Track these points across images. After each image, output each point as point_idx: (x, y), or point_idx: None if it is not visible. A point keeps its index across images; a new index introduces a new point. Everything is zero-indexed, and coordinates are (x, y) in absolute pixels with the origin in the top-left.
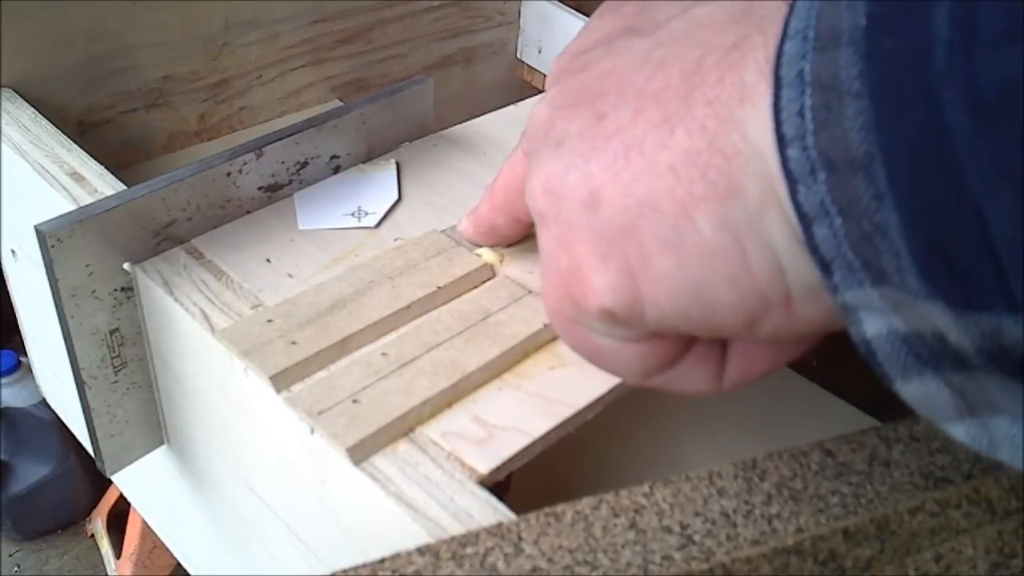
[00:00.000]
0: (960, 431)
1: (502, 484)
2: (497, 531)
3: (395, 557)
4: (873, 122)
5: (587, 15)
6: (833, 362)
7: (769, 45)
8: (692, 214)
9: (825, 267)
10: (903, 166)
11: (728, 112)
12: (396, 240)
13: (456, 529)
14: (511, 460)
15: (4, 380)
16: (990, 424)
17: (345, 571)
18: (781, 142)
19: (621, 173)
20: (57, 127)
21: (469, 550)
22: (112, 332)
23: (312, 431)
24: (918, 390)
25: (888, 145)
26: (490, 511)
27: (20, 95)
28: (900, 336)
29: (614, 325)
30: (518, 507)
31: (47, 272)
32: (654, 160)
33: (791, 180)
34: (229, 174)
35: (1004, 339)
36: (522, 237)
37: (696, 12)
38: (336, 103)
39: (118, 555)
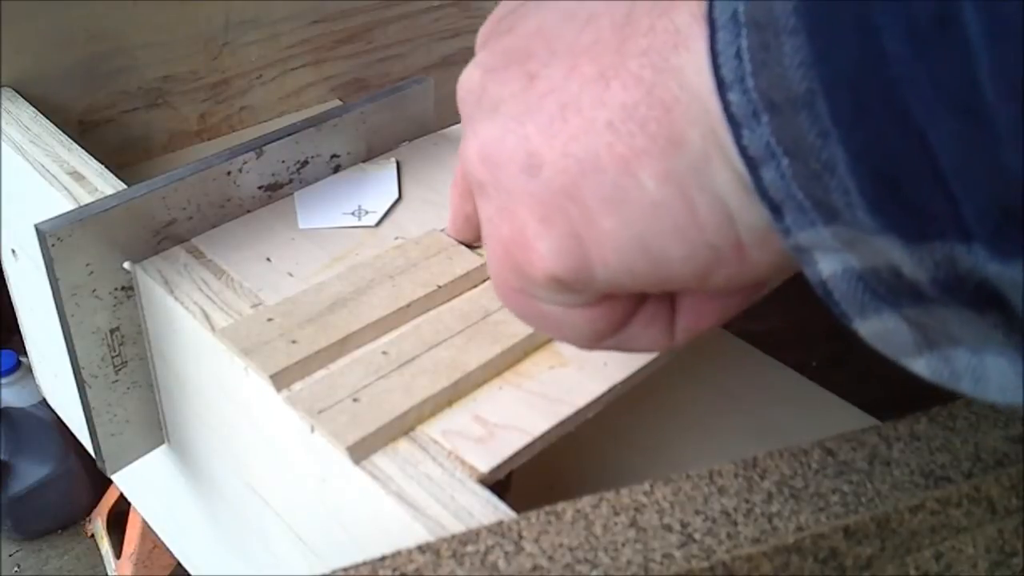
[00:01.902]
0: (920, 365)
1: (502, 483)
2: (498, 529)
3: (395, 555)
4: (811, 58)
5: None
6: (833, 362)
7: None
8: (634, 169)
9: (775, 209)
10: (845, 100)
11: (663, 60)
12: (396, 239)
13: (457, 528)
14: (511, 459)
15: (4, 380)
16: (951, 357)
17: (345, 570)
18: (721, 87)
19: (559, 133)
20: (57, 126)
21: (470, 548)
22: (112, 331)
23: (312, 430)
24: (877, 327)
25: (828, 80)
26: (491, 510)
27: (20, 94)
28: (855, 274)
29: (562, 291)
30: (518, 506)
31: (47, 271)
32: (591, 117)
33: (734, 125)
34: (229, 173)
35: (958, 268)
36: None
37: None
38: (336, 103)
39: (118, 555)
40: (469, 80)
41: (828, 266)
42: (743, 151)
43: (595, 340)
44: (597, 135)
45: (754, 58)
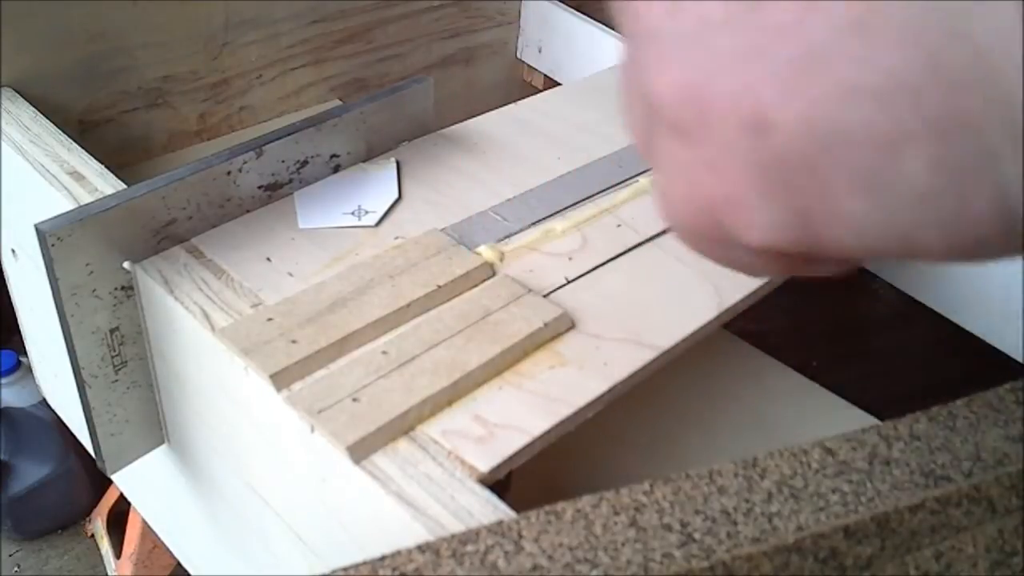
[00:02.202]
0: None
1: (502, 482)
2: (497, 529)
3: (395, 555)
4: None
5: (587, 15)
6: (833, 362)
7: None
8: (900, 151)
9: None
10: None
11: (956, 20)
12: (396, 239)
13: (456, 527)
14: (511, 458)
15: (4, 380)
16: None
17: (346, 569)
18: None
19: (798, 91)
20: (57, 126)
21: (469, 548)
22: (112, 331)
23: (312, 429)
24: None
25: None
26: (490, 509)
27: (20, 94)
28: None
29: (773, 254)
30: (518, 505)
31: (47, 271)
32: (846, 78)
33: None
34: (229, 173)
35: None
36: None
37: None
38: (336, 103)
39: (118, 555)
40: None
41: None
42: None
43: (776, 275)
44: (854, 104)
45: None
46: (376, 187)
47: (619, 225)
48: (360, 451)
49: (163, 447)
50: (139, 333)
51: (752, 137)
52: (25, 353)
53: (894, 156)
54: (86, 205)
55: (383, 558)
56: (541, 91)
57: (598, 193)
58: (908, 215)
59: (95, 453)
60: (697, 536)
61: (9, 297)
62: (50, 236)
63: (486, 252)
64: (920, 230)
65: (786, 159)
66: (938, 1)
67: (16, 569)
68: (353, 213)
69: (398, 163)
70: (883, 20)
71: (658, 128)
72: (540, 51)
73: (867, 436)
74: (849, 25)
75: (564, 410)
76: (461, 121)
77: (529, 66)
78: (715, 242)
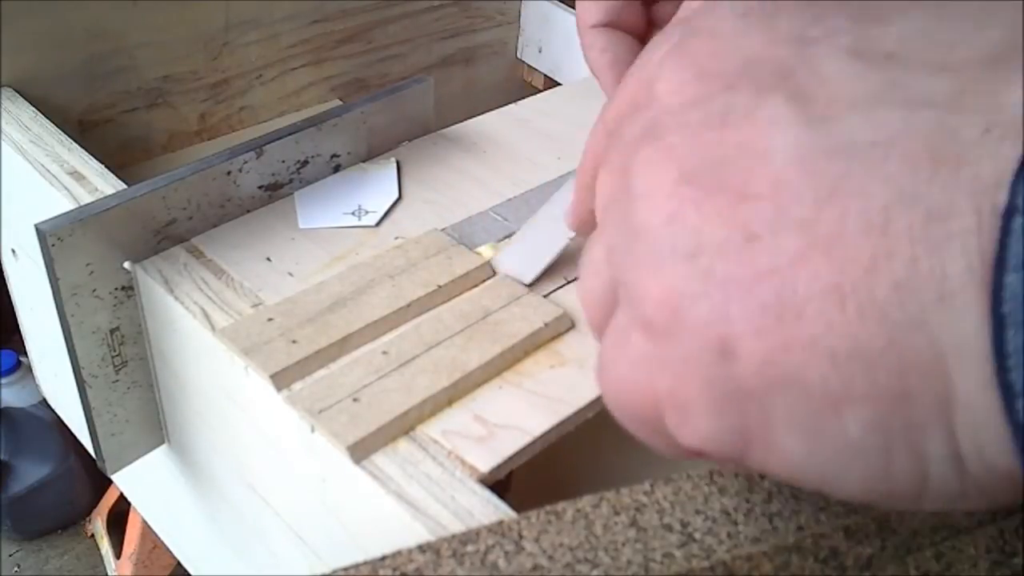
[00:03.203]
0: None
1: (503, 482)
2: (498, 529)
3: (396, 555)
4: None
5: None
6: None
7: (984, 234)
8: (842, 410)
9: None
10: None
11: (919, 310)
12: (396, 239)
13: (457, 527)
14: (511, 458)
15: (4, 380)
16: None
17: (346, 569)
18: (1007, 391)
19: (767, 335)
20: (57, 126)
21: (470, 548)
22: (112, 331)
23: (312, 429)
24: None
25: None
26: (491, 509)
27: (20, 94)
28: None
29: (697, 456)
30: (519, 505)
31: (47, 271)
32: (812, 336)
33: (1020, 432)
34: (229, 173)
35: None
36: None
37: (885, 117)
38: (336, 103)
39: (118, 555)
40: (660, 176)
41: None
42: None
43: (684, 459)
44: (812, 359)
45: None
46: (376, 187)
47: None
48: (360, 451)
49: (163, 447)
50: (139, 333)
51: (715, 358)
52: (25, 353)
53: (837, 410)
54: (86, 205)
55: (383, 558)
56: (541, 91)
57: None
58: (835, 462)
59: (95, 453)
60: (697, 536)
61: (9, 297)
62: (50, 236)
63: (486, 252)
64: (843, 476)
65: (740, 386)
66: (903, 284)
67: (16, 569)
68: (353, 213)
69: (398, 163)
70: (855, 292)
71: (629, 314)
72: (540, 51)
73: None
74: (828, 288)
75: (564, 410)
76: (461, 121)
77: (529, 66)
78: (649, 426)
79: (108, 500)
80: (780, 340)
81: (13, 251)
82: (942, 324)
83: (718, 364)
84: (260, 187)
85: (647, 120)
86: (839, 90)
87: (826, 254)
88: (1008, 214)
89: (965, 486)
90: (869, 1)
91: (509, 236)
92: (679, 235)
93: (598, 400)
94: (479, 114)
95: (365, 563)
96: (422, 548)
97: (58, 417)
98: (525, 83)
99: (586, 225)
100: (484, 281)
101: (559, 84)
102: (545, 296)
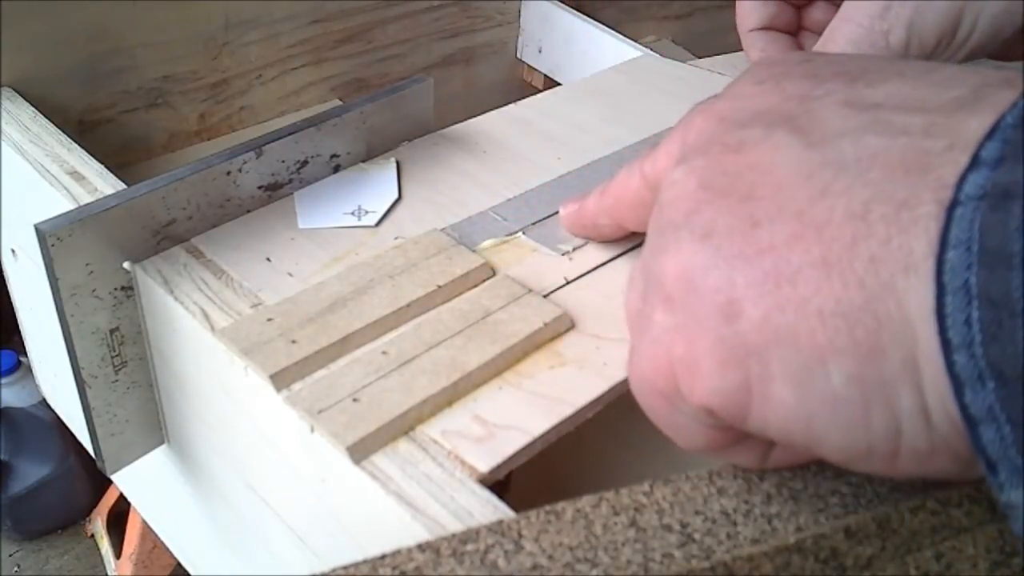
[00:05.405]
0: None
1: (502, 483)
2: (497, 528)
3: (395, 553)
4: None
5: (587, 15)
6: None
7: (942, 220)
8: (827, 361)
9: (991, 466)
10: None
11: (890, 277)
12: (396, 239)
13: (456, 528)
14: (511, 459)
15: (4, 380)
16: None
17: (346, 568)
18: (947, 346)
19: (767, 297)
20: (57, 126)
21: (469, 547)
22: (112, 331)
23: (312, 430)
24: None
25: None
26: (490, 509)
27: (20, 94)
28: None
29: (706, 417)
30: (518, 506)
31: (47, 271)
32: (803, 297)
33: (957, 382)
34: (229, 173)
35: None
36: (617, 239)
37: (870, 141)
38: (336, 103)
39: (118, 555)
40: (684, 187)
41: None
42: (963, 408)
43: (703, 450)
44: (803, 317)
45: (986, 330)
46: (376, 187)
47: None
48: (360, 451)
49: (163, 447)
50: (139, 333)
51: (723, 318)
52: (25, 353)
53: (823, 362)
54: (86, 205)
55: (383, 557)
56: (541, 91)
57: None
58: (820, 413)
59: (95, 453)
60: (697, 536)
61: (9, 297)
62: (50, 236)
63: (487, 246)
64: (825, 428)
65: (744, 342)
66: (878, 258)
67: (16, 569)
68: (353, 213)
69: (398, 163)
70: (840, 264)
71: (653, 297)
72: (540, 51)
73: None
74: (817, 262)
75: (564, 410)
76: (461, 121)
77: (529, 66)
78: (665, 398)
79: (108, 500)
80: (777, 301)
81: (13, 251)
82: (907, 290)
83: (725, 324)
84: (260, 187)
85: (676, 158)
86: (833, 126)
87: (816, 235)
88: (952, 206)
89: (934, 442)
90: (861, 74)
91: (509, 236)
92: (695, 224)
93: (598, 400)
94: (479, 114)
95: (364, 562)
96: (422, 547)
97: (58, 417)
98: (525, 83)
99: (576, 226)
100: (484, 281)
101: (559, 84)
102: (545, 296)
